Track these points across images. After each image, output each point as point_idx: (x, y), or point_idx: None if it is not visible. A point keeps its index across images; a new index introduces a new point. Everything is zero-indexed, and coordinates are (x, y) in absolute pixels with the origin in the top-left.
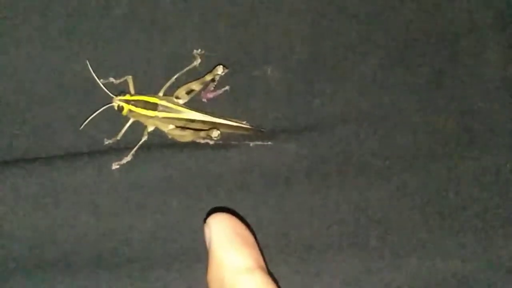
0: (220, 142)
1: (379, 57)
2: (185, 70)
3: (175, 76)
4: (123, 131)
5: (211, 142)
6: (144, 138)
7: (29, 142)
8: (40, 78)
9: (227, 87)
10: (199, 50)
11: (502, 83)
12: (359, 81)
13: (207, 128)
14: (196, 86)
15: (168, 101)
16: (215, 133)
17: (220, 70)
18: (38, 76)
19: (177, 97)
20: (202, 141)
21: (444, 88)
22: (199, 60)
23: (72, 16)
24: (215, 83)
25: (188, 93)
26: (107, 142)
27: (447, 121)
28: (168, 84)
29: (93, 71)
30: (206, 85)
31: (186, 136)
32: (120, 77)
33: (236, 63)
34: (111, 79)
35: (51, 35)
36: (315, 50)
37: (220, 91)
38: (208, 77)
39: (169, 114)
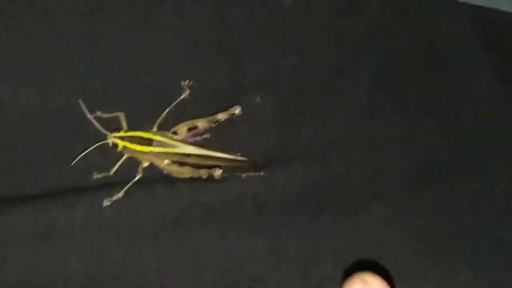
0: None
1: (367, 82)
2: (174, 103)
3: (166, 111)
4: (116, 167)
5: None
6: (139, 175)
7: (17, 180)
8: (26, 113)
9: (208, 135)
10: (187, 81)
11: (493, 103)
12: (348, 107)
13: (203, 162)
14: (202, 123)
15: (163, 135)
16: (218, 172)
17: (237, 110)
18: (25, 111)
19: (174, 133)
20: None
21: (435, 110)
22: (187, 91)
23: (58, 48)
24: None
25: (190, 130)
26: (96, 176)
27: (438, 144)
28: (160, 119)
29: (78, 103)
30: (213, 123)
31: (185, 173)
32: (107, 111)
33: (224, 91)
34: (99, 113)
35: (37, 69)
36: (304, 77)
37: (199, 138)
38: (220, 116)
39: (164, 149)
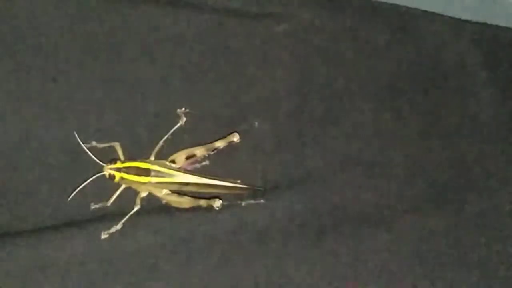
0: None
1: (368, 104)
2: (171, 131)
3: (163, 139)
4: (113, 197)
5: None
6: (137, 207)
7: (13, 213)
8: (22, 145)
9: (207, 162)
10: (183, 108)
11: (495, 123)
12: (349, 129)
13: (202, 191)
14: (200, 151)
15: (160, 165)
16: (218, 203)
17: (236, 137)
18: (20, 142)
19: (172, 161)
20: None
21: (437, 130)
22: (184, 119)
23: (49, 79)
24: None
25: (188, 158)
26: (93, 207)
27: (442, 166)
28: (157, 148)
29: (73, 134)
30: (212, 151)
31: (184, 203)
32: (102, 141)
33: (221, 118)
34: (94, 143)
35: (31, 100)
36: (302, 100)
37: (199, 166)
38: (219, 144)
39: (163, 179)
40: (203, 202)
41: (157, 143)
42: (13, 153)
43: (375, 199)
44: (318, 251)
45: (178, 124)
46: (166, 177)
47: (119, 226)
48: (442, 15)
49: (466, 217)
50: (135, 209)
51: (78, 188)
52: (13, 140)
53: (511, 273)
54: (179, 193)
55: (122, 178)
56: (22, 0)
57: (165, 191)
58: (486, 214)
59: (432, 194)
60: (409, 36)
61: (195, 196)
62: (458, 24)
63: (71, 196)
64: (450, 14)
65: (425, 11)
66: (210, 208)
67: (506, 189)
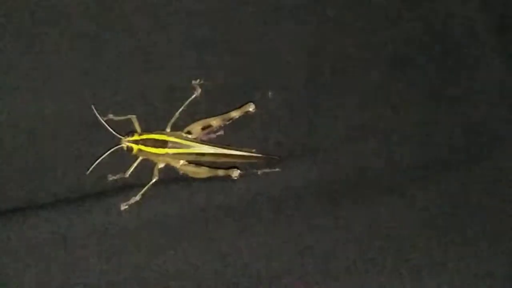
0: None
1: (379, 71)
2: (187, 102)
3: (179, 111)
4: (131, 169)
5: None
6: (155, 178)
7: (32, 186)
8: (36, 121)
9: (222, 132)
10: (198, 80)
11: (505, 88)
12: (361, 96)
13: (218, 160)
14: (216, 122)
15: (177, 136)
16: (235, 173)
17: (251, 107)
18: (37, 117)
19: (188, 132)
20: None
21: (448, 97)
22: (199, 90)
23: (67, 53)
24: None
25: (204, 128)
26: (111, 178)
27: (453, 131)
28: (173, 120)
29: (89, 106)
30: (227, 121)
31: (201, 173)
32: (119, 113)
33: (235, 88)
34: (111, 116)
35: (48, 75)
36: (315, 69)
37: (214, 135)
38: (234, 114)
39: (179, 150)
40: (220, 172)
41: (173, 114)
42: (30, 128)
43: (388, 166)
44: (332, 218)
45: (193, 96)
46: (183, 148)
47: (138, 197)
48: None
49: (478, 179)
50: (153, 180)
51: (97, 161)
52: (30, 114)
53: None
54: (196, 164)
55: (139, 150)
56: None
57: (182, 161)
58: (497, 175)
59: (443, 158)
60: (420, 3)
61: (212, 166)
62: None
63: (90, 169)
64: None
65: None
66: (227, 177)
67: None
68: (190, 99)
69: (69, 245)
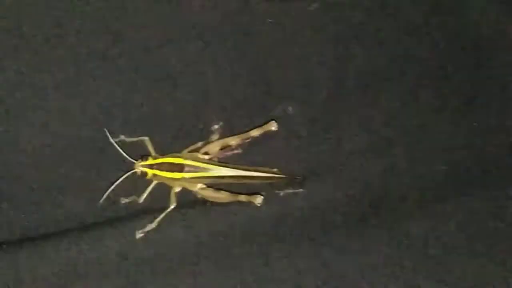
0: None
1: (405, 83)
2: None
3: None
4: (145, 194)
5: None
6: (173, 205)
7: (41, 215)
8: (45, 145)
9: (239, 150)
10: (220, 123)
11: None
12: (387, 110)
13: (238, 182)
14: (235, 141)
15: (194, 159)
16: (259, 199)
17: (274, 126)
18: (44, 142)
19: (206, 153)
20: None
21: (479, 109)
22: (218, 135)
23: (74, 71)
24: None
25: (222, 148)
26: (124, 201)
27: (486, 145)
28: (193, 147)
29: (100, 129)
30: (246, 140)
31: (221, 198)
32: (131, 134)
33: (254, 104)
34: (122, 137)
35: (53, 96)
36: (338, 82)
37: (230, 153)
38: (255, 132)
39: (197, 174)
40: (242, 198)
41: (189, 134)
42: (37, 152)
43: (415, 182)
44: (361, 241)
45: (211, 136)
46: (201, 172)
47: (154, 225)
48: None
49: (510, 199)
50: (171, 207)
51: (110, 189)
52: (37, 137)
53: None
54: (215, 187)
55: (154, 175)
56: None
57: (199, 185)
58: None
59: (475, 174)
60: (448, 9)
61: (233, 191)
62: None
63: (103, 197)
64: None
65: None
66: (250, 204)
67: None
68: (207, 140)
69: (81, 277)
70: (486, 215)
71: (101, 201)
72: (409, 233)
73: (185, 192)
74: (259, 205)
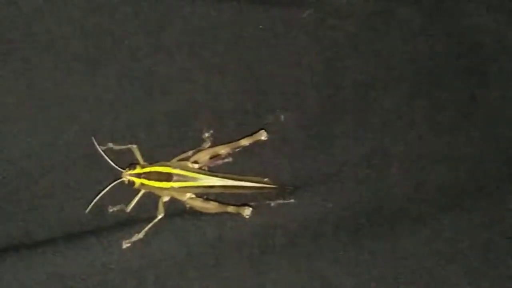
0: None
1: (401, 90)
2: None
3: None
4: (133, 203)
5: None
6: (161, 215)
7: (26, 223)
8: (32, 153)
9: (230, 159)
10: (210, 131)
11: None
12: (382, 118)
13: (228, 191)
14: (224, 150)
15: (183, 168)
16: (247, 211)
17: (263, 135)
18: (30, 151)
19: (195, 162)
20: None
21: (477, 118)
22: (209, 143)
23: (62, 78)
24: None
25: (212, 157)
26: (111, 209)
27: (483, 154)
28: (183, 155)
29: (87, 136)
30: (236, 149)
31: (210, 208)
32: (119, 142)
33: (245, 112)
34: (110, 145)
35: (44, 104)
36: (331, 90)
37: (220, 162)
38: (245, 142)
39: (186, 183)
40: (230, 209)
41: (178, 142)
42: (23, 160)
43: (411, 194)
44: (353, 251)
45: (203, 146)
46: (190, 181)
47: (141, 235)
48: None
49: (508, 211)
50: (159, 217)
51: (97, 198)
52: (22, 145)
53: None
54: (204, 197)
55: (142, 184)
56: None
57: (188, 195)
58: None
59: (472, 187)
60: (444, 16)
61: (222, 202)
62: (496, 2)
63: (89, 207)
64: None
65: None
66: (238, 215)
67: None
68: (198, 148)
69: (68, 286)
70: (482, 228)
71: (87, 209)
72: (404, 245)
73: (173, 201)
74: (247, 216)
